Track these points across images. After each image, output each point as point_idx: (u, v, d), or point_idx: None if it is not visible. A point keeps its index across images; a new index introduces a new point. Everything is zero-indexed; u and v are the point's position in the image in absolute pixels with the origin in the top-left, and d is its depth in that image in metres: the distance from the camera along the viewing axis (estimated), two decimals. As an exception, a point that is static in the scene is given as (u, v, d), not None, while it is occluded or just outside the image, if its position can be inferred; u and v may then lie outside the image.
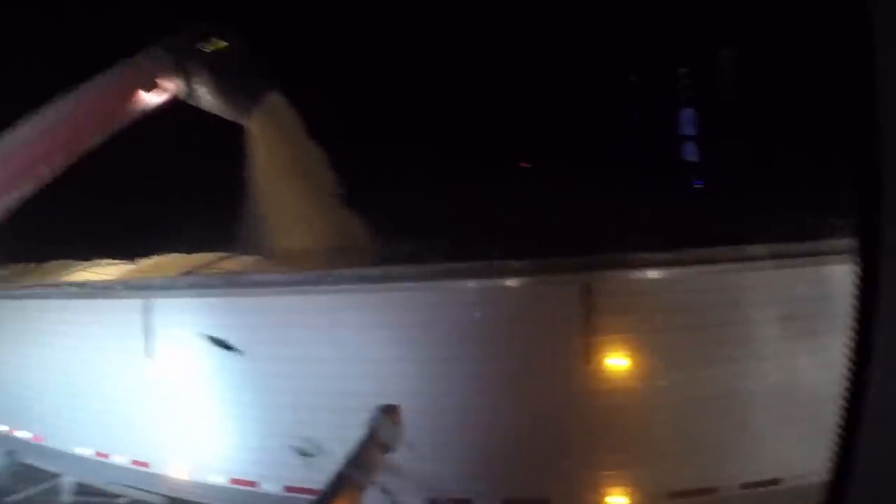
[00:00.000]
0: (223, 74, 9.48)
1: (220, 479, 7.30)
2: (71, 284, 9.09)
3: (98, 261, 10.10)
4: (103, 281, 9.08)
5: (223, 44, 9.57)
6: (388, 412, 5.57)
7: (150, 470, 7.78)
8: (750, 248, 5.85)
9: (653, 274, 5.80)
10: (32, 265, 10.63)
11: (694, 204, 9.28)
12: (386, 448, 5.45)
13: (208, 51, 9.47)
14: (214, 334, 7.02)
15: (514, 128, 9.33)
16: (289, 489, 6.85)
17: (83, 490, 8.77)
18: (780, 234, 5.86)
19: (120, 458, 8.07)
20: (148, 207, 9.97)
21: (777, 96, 8.60)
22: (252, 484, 7.10)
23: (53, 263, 10.52)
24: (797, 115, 8.13)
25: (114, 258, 10.13)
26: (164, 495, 7.90)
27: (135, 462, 7.93)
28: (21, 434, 8.89)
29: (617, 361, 5.71)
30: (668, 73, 10.17)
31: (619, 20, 9.26)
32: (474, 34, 9.77)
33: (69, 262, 10.39)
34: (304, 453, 5.07)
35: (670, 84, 10.16)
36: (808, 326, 5.54)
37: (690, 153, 10.09)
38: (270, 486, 6.99)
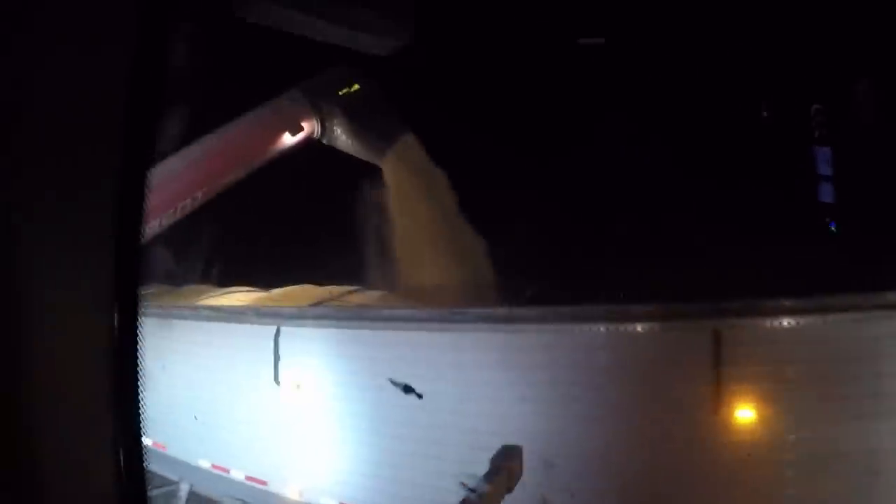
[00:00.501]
0: (357, 116, 10.02)
1: (331, 503, 7.55)
2: (206, 308, 9.67)
3: (233, 287, 10.71)
4: (237, 306, 9.60)
5: (357, 86, 10.14)
6: (511, 453, 5.64)
7: (268, 488, 8.13)
8: (885, 294, 5.52)
9: (786, 322, 5.57)
10: (172, 287, 11.37)
11: (828, 247, 8.88)
12: (505, 488, 5.51)
13: (343, 93, 10.06)
14: (341, 362, 7.38)
15: (644, 171, 9.21)
16: (398, 518, 7.02)
17: (198, 499, 9.22)
18: None
19: (238, 474, 8.47)
20: (283, 240, 10.45)
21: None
22: (362, 510, 7.32)
23: (191, 287, 11.23)
24: None
25: (248, 286, 10.72)
26: (276, 512, 8.23)
27: (253, 479, 8.31)
28: (145, 441, 9.39)
29: (745, 413, 5.52)
30: (802, 110, 9.79)
31: (751, 57, 9.08)
32: (596, 69, 9.82)
33: (206, 286, 11.07)
34: (469, 489, 5.18)
35: (804, 122, 9.78)
36: None
37: (825, 194, 9.66)
38: (380, 513, 7.17)
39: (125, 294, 1.85)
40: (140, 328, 1.95)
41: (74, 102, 1.58)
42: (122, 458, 1.94)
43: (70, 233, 1.66)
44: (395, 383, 6.75)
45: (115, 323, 1.80)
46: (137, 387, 2.03)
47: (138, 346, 1.94)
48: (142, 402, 2.02)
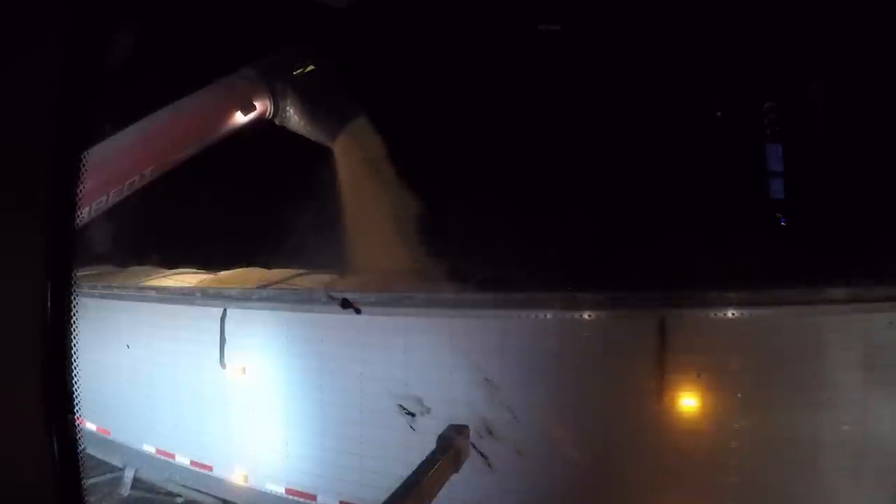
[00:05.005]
0: (310, 96, 9.85)
1: (277, 488, 7.48)
2: (152, 288, 9.46)
3: (179, 269, 10.51)
4: (183, 287, 9.42)
5: (311, 66, 9.96)
6: (458, 432, 5.67)
7: (213, 473, 8.03)
8: (829, 290, 5.67)
9: (730, 313, 5.66)
10: (117, 268, 11.12)
11: (775, 242, 9.07)
12: (452, 467, 5.53)
13: (297, 73, 9.87)
14: (287, 344, 7.29)
15: (596, 159, 9.29)
16: (343, 504, 6.98)
17: (142, 486, 9.06)
18: (862, 276, 5.66)
19: (183, 459, 8.35)
20: (231, 222, 10.31)
21: (863, 133, 8.43)
22: (308, 496, 7.26)
23: (137, 268, 11.00)
24: (884, 154, 7.97)
25: (195, 268, 10.54)
26: (222, 499, 8.13)
27: (198, 464, 8.19)
28: (88, 426, 9.23)
29: (688, 401, 5.61)
30: (753, 106, 10.00)
31: (705, 52, 9.20)
32: (551, 59, 9.86)
33: (152, 267, 10.86)
34: (408, 412, 5.22)
35: (755, 118, 9.99)
36: (886, 375, 5.38)
37: (774, 190, 9.89)
38: (326, 500, 7.12)
39: (58, 275, 1.83)
40: (74, 311, 1.92)
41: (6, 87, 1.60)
42: (55, 441, 1.90)
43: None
44: (333, 297, 6.70)
45: (49, 306, 1.79)
46: (70, 369, 2.00)
47: (72, 329, 1.93)
48: (76, 386, 1.98)
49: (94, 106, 1.84)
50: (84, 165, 1.80)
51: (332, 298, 6.76)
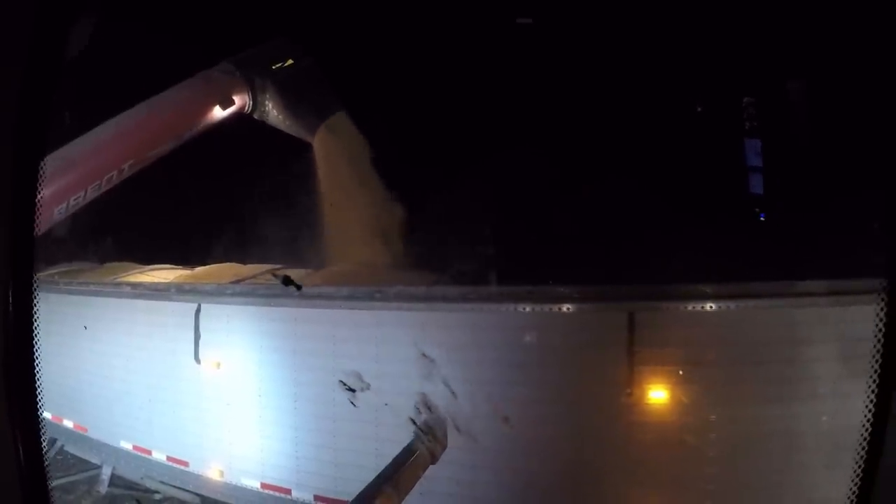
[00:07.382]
0: (290, 91, 9.84)
1: (253, 483, 7.46)
2: (127, 284, 9.39)
3: (156, 265, 10.46)
4: (157, 283, 9.37)
5: (291, 61, 9.95)
6: (433, 426, 5.66)
7: (189, 469, 8.00)
8: (805, 283, 5.63)
9: (702, 306, 5.62)
10: (93, 264, 11.05)
11: (750, 235, 9.09)
12: (428, 459, 5.53)
13: (276, 67, 9.86)
14: (262, 340, 7.26)
15: (575, 154, 9.30)
16: (318, 498, 6.98)
17: (120, 483, 9.02)
18: (838, 269, 5.57)
19: (160, 455, 8.32)
20: (209, 218, 10.27)
21: (841, 129, 8.47)
22: (283, 490, 7.23)
23: (113, 264, 10.93)
24: (860, 149, 8.01)
25: (173, 264, 10.48)
26: (199, 494, 8.10)
27: (175, 460, 8.16)
28: (66, 423, 9.18)
29: (659, 394, 5.60)
30: (731, 102, 10.05)
31: (683, 48, 9.24)
32: (536, 53, 9.87)
33: (128, 264, 10.79)
34: (349, 388, 5.21)
35: (733, 114, 10.04)
36: (862, 368, 5.36)
37: (751, 184, 9.94)
38: (301, 494, 7.11)
39: (19, 277, 1.84)
40: (35, 311, 1.92)
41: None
42: (20, 441, 1.89)
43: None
44: (275, 276, 6.69)
45: (10, 306, 1.80)
46: (34, 369, 2.00)
47: (34, 329, 1.94)
48: (39, 385, 1.96)
49: (55, 107, 1.85)
50: (43, 168, 1.81)
51: (274, 277, 6.74)
